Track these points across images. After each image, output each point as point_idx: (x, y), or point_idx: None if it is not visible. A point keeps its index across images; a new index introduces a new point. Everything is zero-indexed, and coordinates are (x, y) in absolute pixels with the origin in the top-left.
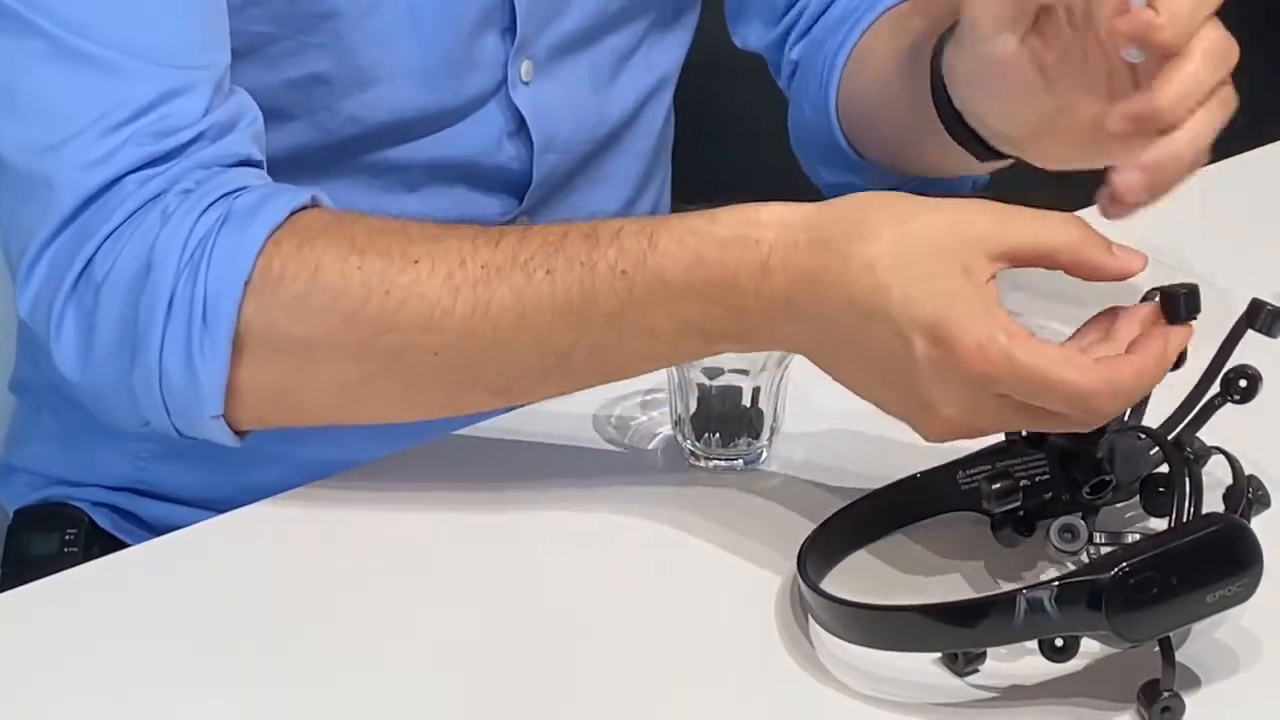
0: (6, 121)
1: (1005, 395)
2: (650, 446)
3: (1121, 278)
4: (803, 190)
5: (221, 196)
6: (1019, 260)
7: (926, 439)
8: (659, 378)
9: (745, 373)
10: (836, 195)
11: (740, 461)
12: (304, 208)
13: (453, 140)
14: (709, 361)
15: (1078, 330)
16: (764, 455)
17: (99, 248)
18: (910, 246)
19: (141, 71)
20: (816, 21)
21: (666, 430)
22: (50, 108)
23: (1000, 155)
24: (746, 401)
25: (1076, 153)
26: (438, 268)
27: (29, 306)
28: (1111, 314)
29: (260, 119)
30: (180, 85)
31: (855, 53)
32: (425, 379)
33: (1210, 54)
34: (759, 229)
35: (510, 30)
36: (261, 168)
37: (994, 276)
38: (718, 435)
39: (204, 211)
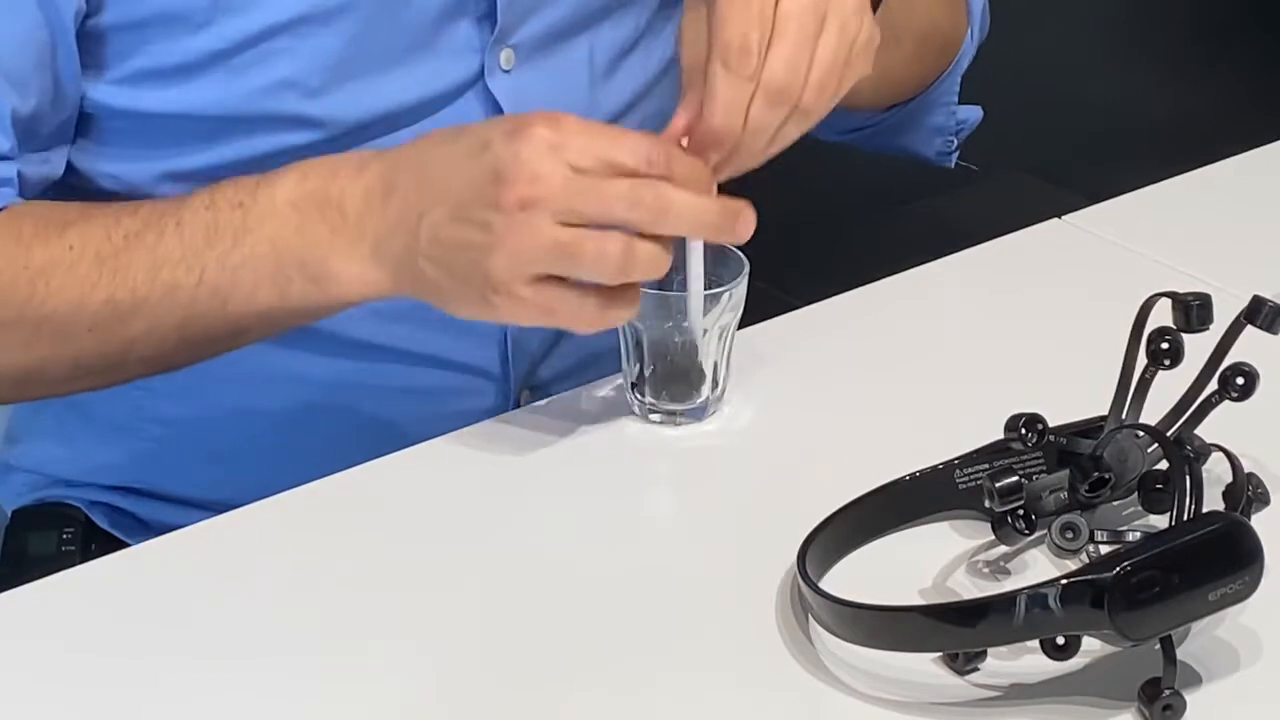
0: None
1: (576, 168)
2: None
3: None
4: (804, 183)
5: None
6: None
7: (493, 281)
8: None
9: (687, 326)
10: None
11: (689, 415)
12: None
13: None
14: (654, 317)
15: None
16: (712, 409)
17: None
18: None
19: None
20: None
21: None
22: None
23: None
24: (698, 355)
25: None
26: (87, 249)
27: None
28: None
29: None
30: None
31: None
32: (86, 356)
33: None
34: (367, 152)
35: (489, 18)
36: None
37: None
38: (664, 392)
39: None
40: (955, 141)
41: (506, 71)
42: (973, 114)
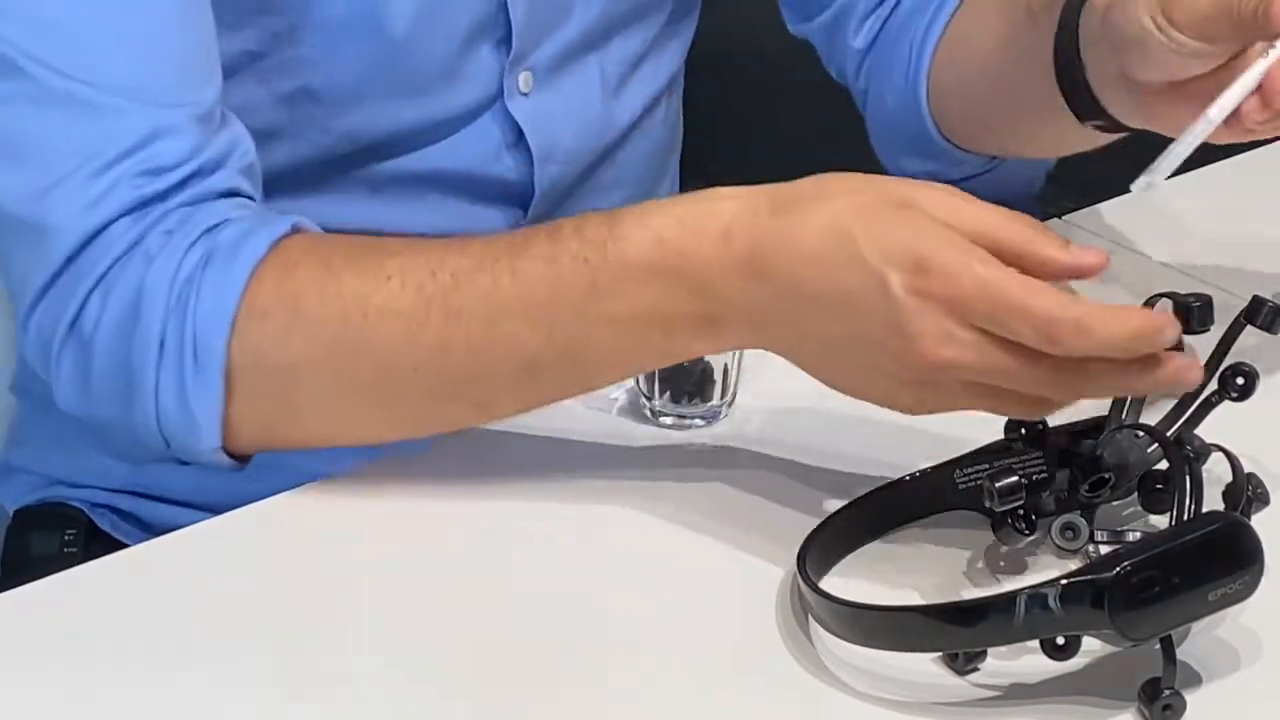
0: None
1: (983, 331)
2: (614, 411)
3: (1075, 276)
4: (809, 174)
5: (204, 233)
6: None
7: (902, 402)
8: None
9: None
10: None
11: (700, 419)
12: (285, 236)
13: (447, 153)
14: None
15: None
16: (724, 413)
17: (89, 293)
18: (870, 200)
19: (127, 110)
20: (881, 4)
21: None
22: (38, 150)
23: (1113, 126)
24: (711, 360)
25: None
26: (409, 282)
27: (31, 350)
28: None
29: (252, 150)
30: (167, 123)
31: (947, 36)
32: (407, 395)
33: None
34: (719, 202)
35: (506, 41)
36: (251, 199)
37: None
38: (668, 393)
39: (187, 250)
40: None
41: (525, 94)
42: None
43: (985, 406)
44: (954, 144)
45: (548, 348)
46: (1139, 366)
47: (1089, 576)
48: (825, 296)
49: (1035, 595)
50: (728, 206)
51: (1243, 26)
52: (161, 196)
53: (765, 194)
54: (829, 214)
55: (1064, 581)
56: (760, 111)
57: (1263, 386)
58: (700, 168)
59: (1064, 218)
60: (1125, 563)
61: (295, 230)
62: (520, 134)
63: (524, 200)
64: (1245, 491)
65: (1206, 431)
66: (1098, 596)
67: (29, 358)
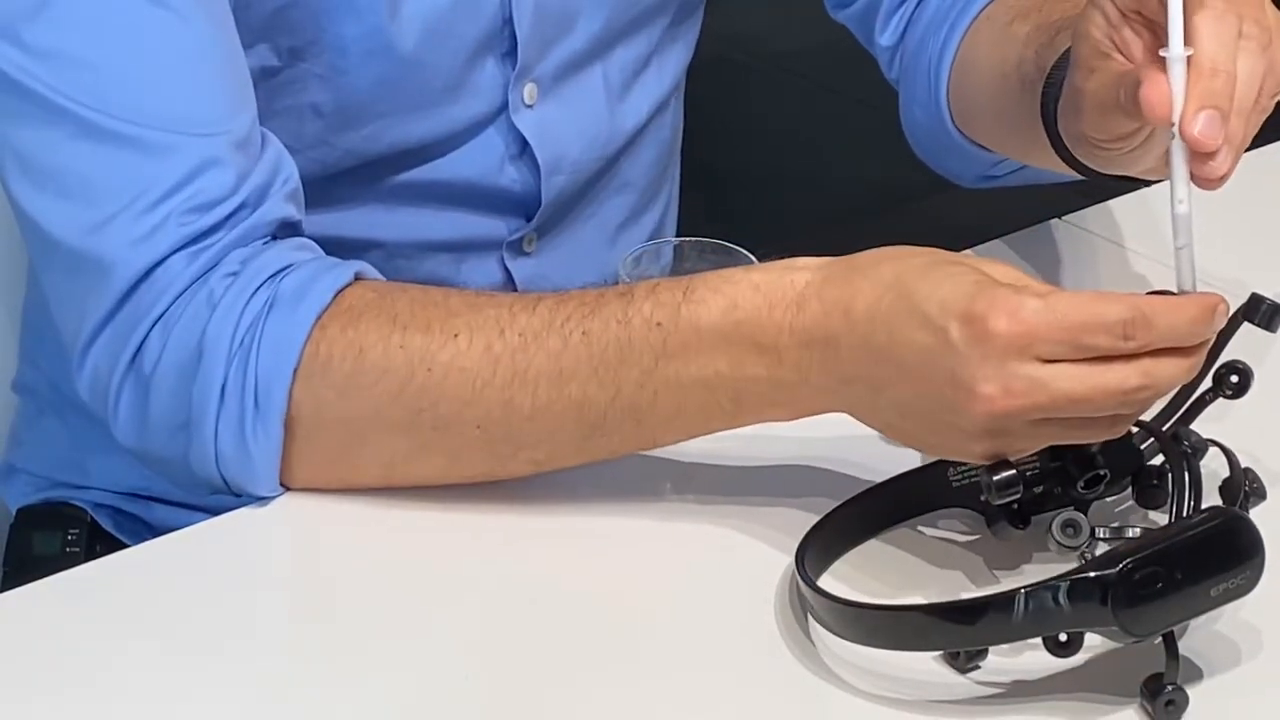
0: (52, 200)
1: (1050, 361)
2: None
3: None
4: (807, 183)
5: (267, 279)
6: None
7: (974, 452)
8: None
9: None
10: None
11: None
12: (348, 285)
13: (451, 165)
14: None
15: None
16: None
17: (150, 330)
18: (934, 259)
19: (170, 145)
20: (902, 6)
21: None
22: (90, 186)
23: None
24: None
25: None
26: (477, 340)
27: (87, 386)
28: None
29: (295, 173)
30: (210, 154)
31: (958, 61)
32: (468, 450)
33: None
34: (796, 272)
35: (511, 54)
36: (299, 227)
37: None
38: None
39: (251, 296)
40: None
41: (529, 106)
42: None
43: (1058, 439)
44: (987, 148)
45: (613, 406)
46: (1195, 350)
47: (1093, 573)
48: (893, 354)
49: (1038, 593)
50: (803, 276)
51: (1133, 116)
52: (212, 231)
53: (840, 263)
54: (893, 272)
55: (1067, 579)
56: (763, 107)
57: (1256, 381)
58: (700, 166)
59: (1064, 218)
60: (1128, 559)
61: (358, 278)
62: (524, 145)
63: (529, 210)
64: (1243, 486)
65: (1200, 425)
66: (1102, 593)
67: (82, 392)
